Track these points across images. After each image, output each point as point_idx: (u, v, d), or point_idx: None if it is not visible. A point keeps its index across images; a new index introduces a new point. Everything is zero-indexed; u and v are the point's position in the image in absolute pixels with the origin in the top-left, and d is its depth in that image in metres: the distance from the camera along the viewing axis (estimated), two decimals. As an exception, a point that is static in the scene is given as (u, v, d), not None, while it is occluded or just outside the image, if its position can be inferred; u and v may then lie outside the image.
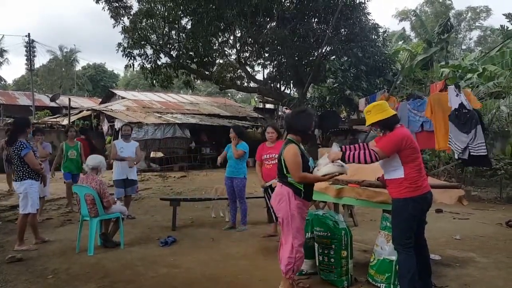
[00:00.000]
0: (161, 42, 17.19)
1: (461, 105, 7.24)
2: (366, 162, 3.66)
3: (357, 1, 16.66)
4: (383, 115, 3.69)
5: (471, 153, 6.77)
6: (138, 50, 16.96)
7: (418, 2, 49.88)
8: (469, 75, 15.43)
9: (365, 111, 3.91)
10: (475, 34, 40.04)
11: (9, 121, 20.06)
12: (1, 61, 42.01)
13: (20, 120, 6.11)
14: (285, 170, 3.81)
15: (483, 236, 6.26)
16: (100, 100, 28.55)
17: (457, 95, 7.47)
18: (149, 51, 17.31)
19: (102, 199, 5.42)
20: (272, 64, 19.40)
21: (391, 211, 3.78)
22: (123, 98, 24.32)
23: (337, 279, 4.08)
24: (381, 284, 4.01)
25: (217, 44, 18.22)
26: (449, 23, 18.88)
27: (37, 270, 4.62)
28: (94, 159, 5.69)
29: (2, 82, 44.05)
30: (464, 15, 39.40)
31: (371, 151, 3.65)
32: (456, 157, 7.13)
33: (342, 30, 17.06)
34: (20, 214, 5.55)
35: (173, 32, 17.38)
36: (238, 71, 19.44)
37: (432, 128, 8.40)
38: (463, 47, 38.53)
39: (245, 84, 20.49)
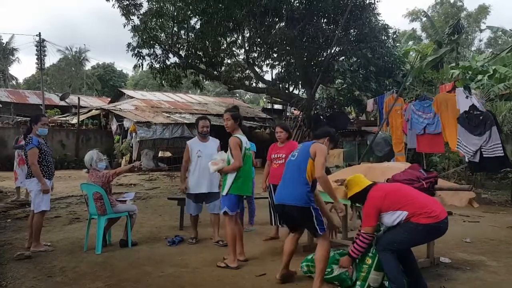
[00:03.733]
0: (170, 42, 17.26)
1: (472, 107, 7.09)
2: (367, 246, 3.71)
3: (367, 2, 16.57)
4: (358, 188, 3.78)
5: (484, 155, 6.62)
6: (147, 50, 17.07)
7: (430, 2, 49.43)
8: (479, 77, 15.26)
9: (344, 186, 4.05)
10: (485, 35, 39.62)
11: (19, 119, 20.26)
12: (12, 59, 42.56)
13: (32, 117, 6.09)
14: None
15: (493, 240, 6.17)
16: (109, 99, 28.73)
17: (467, 97, 7.33)
18: (158, 51, 17.42)
19: (108, 184, 5.47)
20: (281, 64, 19.37)
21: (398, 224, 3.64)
22: (132, 97, 24.46)
23: (347, 278, 3.99)
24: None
25: (225, 44, 18.24)
26: (459, 24, 18.70)
27: (45, 268, 4.63)
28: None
29: (13, 81, 44.53)
30: (474, 17, 38.92)
31: (363, 238, 3.65)
32: (466, 160, 7.00)
33: (352, 30, 16.98)
34: (35, 213, 5.29)
35: (182, 32, 17.43)
36: (247, 71, 19.44)
37: (436, 131, 8.24)
38: (473, 48, 38.08)
39: (254, 84, 20.48)
